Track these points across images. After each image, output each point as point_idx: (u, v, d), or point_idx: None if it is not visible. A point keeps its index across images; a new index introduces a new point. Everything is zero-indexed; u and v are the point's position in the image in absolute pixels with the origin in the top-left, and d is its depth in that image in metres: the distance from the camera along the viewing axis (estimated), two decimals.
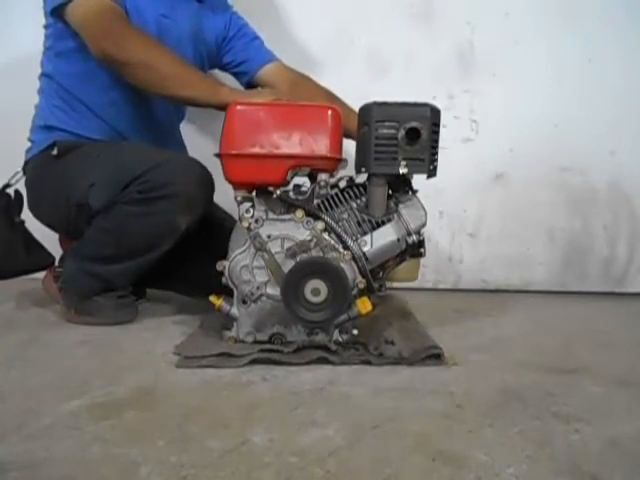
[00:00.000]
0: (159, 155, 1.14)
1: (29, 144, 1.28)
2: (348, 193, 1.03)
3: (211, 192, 1.18)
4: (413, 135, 0.95)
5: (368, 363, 0.96)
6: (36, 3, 1.22)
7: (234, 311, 1.00)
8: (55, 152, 1.19)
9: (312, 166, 0.98)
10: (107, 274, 1.18)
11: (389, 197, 1.02)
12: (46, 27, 1.23)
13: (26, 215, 1.26)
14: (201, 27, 1.33)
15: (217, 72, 1.47)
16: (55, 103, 1.24)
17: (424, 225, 1.02)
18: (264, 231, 0.99)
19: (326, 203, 1.01)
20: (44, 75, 1.26)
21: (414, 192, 1.05)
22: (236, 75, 1.42)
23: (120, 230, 1.14)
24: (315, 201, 1.00)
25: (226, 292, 1.01)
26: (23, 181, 1.26)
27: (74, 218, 1.19)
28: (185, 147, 1.45)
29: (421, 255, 1.04)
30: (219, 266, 0.99)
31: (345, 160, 1.05)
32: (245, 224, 0.99)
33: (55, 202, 1.21)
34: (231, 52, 1.40)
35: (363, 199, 1.02)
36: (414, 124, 0.95)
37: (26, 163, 1.27)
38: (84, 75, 1.21)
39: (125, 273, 1.19)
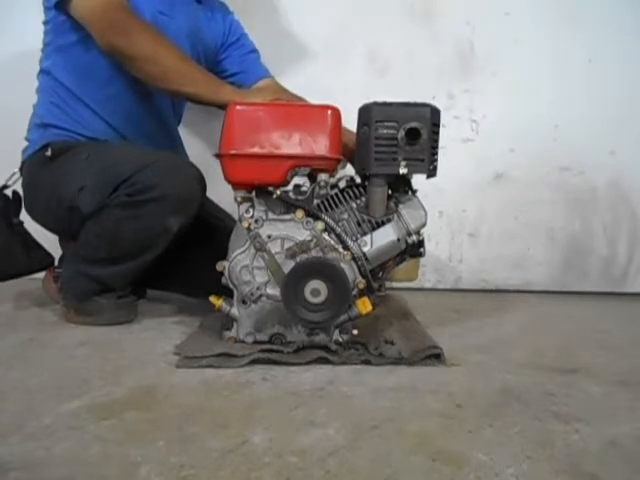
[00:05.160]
0: (146, 157, 1.13)
1: (26, 143, 1.27)
2: (348, 193, 1.03)
3: (202, 192, 1.16)
4: (413, 135, 0.95)
5: (368, 363, 0.96)
6: (37, 1, 1.22)
7: (234, 311, 1.00)
8: (49, 153, 1.18)
9: (312, 166, 0.98)
10: (103, 276, 1.18)
11: (389, 197, 1.02)
12: (45, 23, 1.22)
13: (25, 216, 1.27)
14: (200, 27, 1.33)
15: None
16: (52, 100, 1.23)
17: (424, 225, 1.02)
18: (264, 231, 0.99)
19: (326, 203, 1.01)
20: (42, 72, 1.26)
21: (414, 192, 1.05)
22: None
23: (111, 234, 1.13)
24: (315, 201, 1.01)
25: (226, 292, 1.02)
26: (20, 181, 1.26)
27: (67, 220, 1.19)
28: (182, 144, 1.45)
29: (421, 255, 1.04)
30: (219, 266, 0.99)
31: (345, 160, 1.05)
32: (245, 224, 0.99)
33: (49, 204, 1.20)
34: (227, 60, 1.40)
35: (363, 199, 1.02)
36: (414, 124, 0.95)
37: (23, 163, 1.26)
38: (83, 70, 1.21)
39: (121, 275, 1.19)
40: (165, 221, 1.12)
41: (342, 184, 1.04)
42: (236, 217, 1.02)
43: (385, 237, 0.99)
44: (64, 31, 1.19)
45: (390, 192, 1.02)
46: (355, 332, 1.01)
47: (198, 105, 1.22)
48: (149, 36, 1.10)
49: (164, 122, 1.35)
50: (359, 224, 1.00)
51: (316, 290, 0.92)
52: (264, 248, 0.98)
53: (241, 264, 0.99)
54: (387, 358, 0.97)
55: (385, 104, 0.97)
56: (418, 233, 1.01)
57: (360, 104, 0.99)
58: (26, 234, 1.25)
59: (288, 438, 0.68)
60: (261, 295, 0.99)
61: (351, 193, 1.03)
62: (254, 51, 1.43)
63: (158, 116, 1.33)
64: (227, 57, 1.41)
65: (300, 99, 1.32)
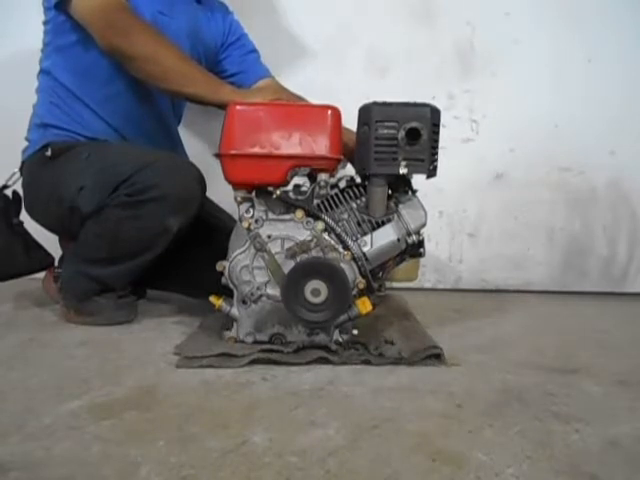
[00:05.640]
0: (146, 156, 1.13)
1: (26, 144, 1.27)
2: (348, 193, 1.03)
3: (202, 192, 1.16)
4: (413, 135, 0.95)
5: (368, 363, 0.96)
6: (37, 1, 1.22)
7: (234, 311, 1.00)
8: (49, 153, 1.18)
9: (312, 166, 0.98)
10: (103, 276, 1.18)
11: (389, 197, 1.02)
12: (45, 23, 1.23)
13: (25, 216, 1.26)
14: (200, 27, 1.33)
15: None
16: (52, 100, 1.23)
17: (424, 225, 1.02)
18: (264, 231, 0.99)
19: (326, 203, 1.01)
20: (42, 72, 1.26)
21: (414, 192, 1.05)
22: None
23: (112, 234, 1.13)
24: (315, 201, 1.00)
25: (226, 292, 1.01)
26: (21, 182, 1.26)
27: (67, 220, 1.19)
28: (182, 145, 1.45)
29: (421, 255, 1.04)
30: (219, 266, 0.99)
31: (345, 160, 1.05)
32: (245, 224, 0.99)
33: (49, 204, 1.20)
34: (227, 60, 1.40)
35: (363, 199, 1.02)
36: (414, 124, 0.95)
37: (23, 163, 1.26)
38: (83, 70, 1.21)
39: (121, 275, 1.19)
40: (165, 221, 1.12)
41: (342, 184, 1.04)
42: (236, 217, 1.02)
43: (385, 237, 0.99)
44: (64, 31, 1.19)
45: (390, 192, 1.02)
46: (355, 332, 1.01)
47: (198, 105, 1.22)
48: (149, 36, 1.10)
49: (164, 122, 1.35)
50: (359, 224, 1.00)
51: (316, 290, 0.92)
52: (264, 248, 0.98)
53: (241, 264, 0.99)
54: (387, 358, 0.97)
55: (385, 104, 0.96)
56: (418, 233, 1.01)
57: (360, 104, 0.99)
58: (26, 234, 1.25)
59: (288, 438, 0.68)
60: (261, 295, 0.99)
61: (351, 193, 1.03)
62: (254, 51, 1.43)
63: (158, 116, 1.33)
64: (227, 57, 1.41)
65: (300, 98, 1.32)
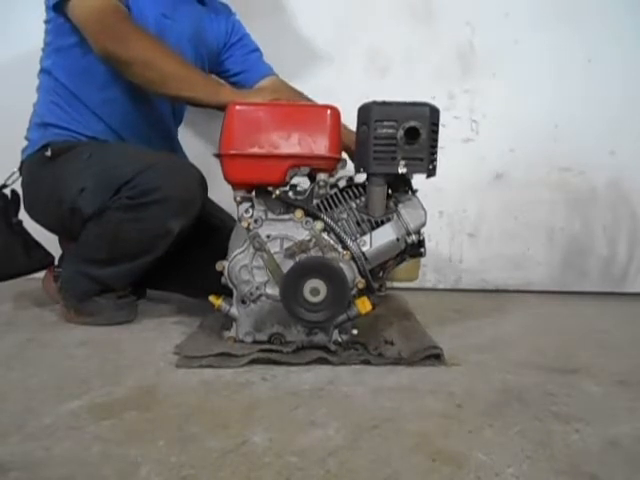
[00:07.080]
0: (148, 158, 1.13)
1: (26, 143, 1.27)
2: (347, 193, 1.03)
3: (203, 193, 1.16)
4: (412, 135, 0.95)
5: (368, 363, 0.95)
6: (38, 1, 1.22)
7: (233, 311, 1.00)
8: (49, 153, 1.18)
9: (311, 166, 0.98)
10: (103, 277, 1.18)
11: (388, 197, 1.02)
12: (46, 22, 1.23)
13: (24, 215, 1.26)
14: (203, 29, 1.33)
15: None
16: (52, 99, 1.23)
17: (424, 225, 1.02)
18: (263, 231, 0.99)
19: (325, 203, 1.01)
20: (42, 71, 1.26)
21: (414, 192, 1.05)
22: (232, 85, 1.42)
23: (113, 235, 1.13)
24: (314, 201, 1.00)
25: (226, 292, 1.01)
26: (20, 181, 1.26)
27: (68, 221, 1.19)
28: (181, 147, 1.45)
29: (421, 255, 1.04)
30: (219, 266, 0.99)
31: (344, 160, 1.05)
32: (244, 224, 0.99)
33: (49, 205, 1.20)
34: (230, 60, 1.41)
35: (362, 199, 1.02)
36: (413, 124, 0.95)
37: (22, 163, 1.26)
38: (81, 72, 1.21)
39: (121, 276, 1.19)
40: (167, 223, 1.12)
41: (341, 184, 1.04)
42: (236, 217, 1.02)
43: (384, 237, 0.99)
44: (64, 32, 1.19)
45: (389, 192, 1.02)
46: (355, 332, 1.01)
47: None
48: (144, 41, 1.10)
49: (163, 126, 1.35)
50: (358, 224, 1.00)
51: (315, 290, 0.92)
52: (263, 248, 0.98)
53: (240, 264, 0.99)
54: (387, 358, 0.96)
55: (384, 103, 0.96)
56: (418, 233, 1.01)
57: (360, 104, 0.99)
58: (26, 234, 1.25)
59: (288, 438, 0.68)
60: (260, 295, 0.99)
61: (350, 193, 1.03)
62: (256, 50, 1.44)
63: (156, 120, 1.32)
64: (230, 57, 1.41)
65: (302, 96, 1.32)
